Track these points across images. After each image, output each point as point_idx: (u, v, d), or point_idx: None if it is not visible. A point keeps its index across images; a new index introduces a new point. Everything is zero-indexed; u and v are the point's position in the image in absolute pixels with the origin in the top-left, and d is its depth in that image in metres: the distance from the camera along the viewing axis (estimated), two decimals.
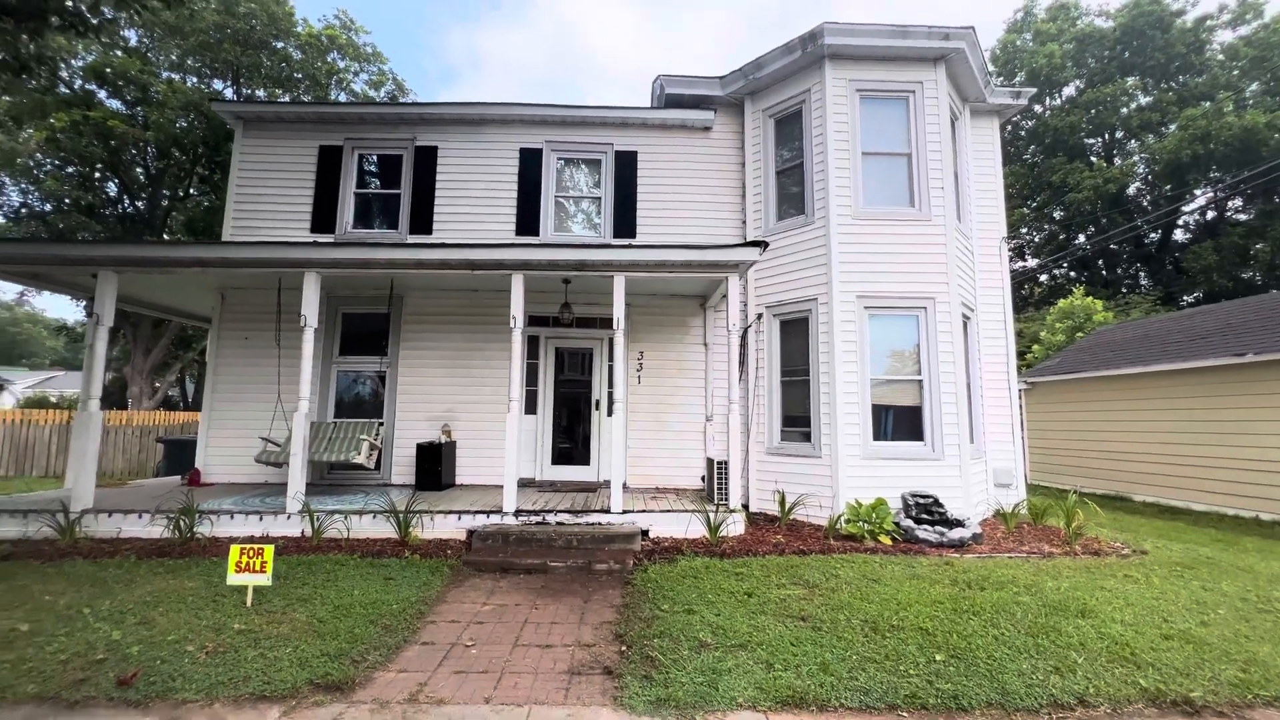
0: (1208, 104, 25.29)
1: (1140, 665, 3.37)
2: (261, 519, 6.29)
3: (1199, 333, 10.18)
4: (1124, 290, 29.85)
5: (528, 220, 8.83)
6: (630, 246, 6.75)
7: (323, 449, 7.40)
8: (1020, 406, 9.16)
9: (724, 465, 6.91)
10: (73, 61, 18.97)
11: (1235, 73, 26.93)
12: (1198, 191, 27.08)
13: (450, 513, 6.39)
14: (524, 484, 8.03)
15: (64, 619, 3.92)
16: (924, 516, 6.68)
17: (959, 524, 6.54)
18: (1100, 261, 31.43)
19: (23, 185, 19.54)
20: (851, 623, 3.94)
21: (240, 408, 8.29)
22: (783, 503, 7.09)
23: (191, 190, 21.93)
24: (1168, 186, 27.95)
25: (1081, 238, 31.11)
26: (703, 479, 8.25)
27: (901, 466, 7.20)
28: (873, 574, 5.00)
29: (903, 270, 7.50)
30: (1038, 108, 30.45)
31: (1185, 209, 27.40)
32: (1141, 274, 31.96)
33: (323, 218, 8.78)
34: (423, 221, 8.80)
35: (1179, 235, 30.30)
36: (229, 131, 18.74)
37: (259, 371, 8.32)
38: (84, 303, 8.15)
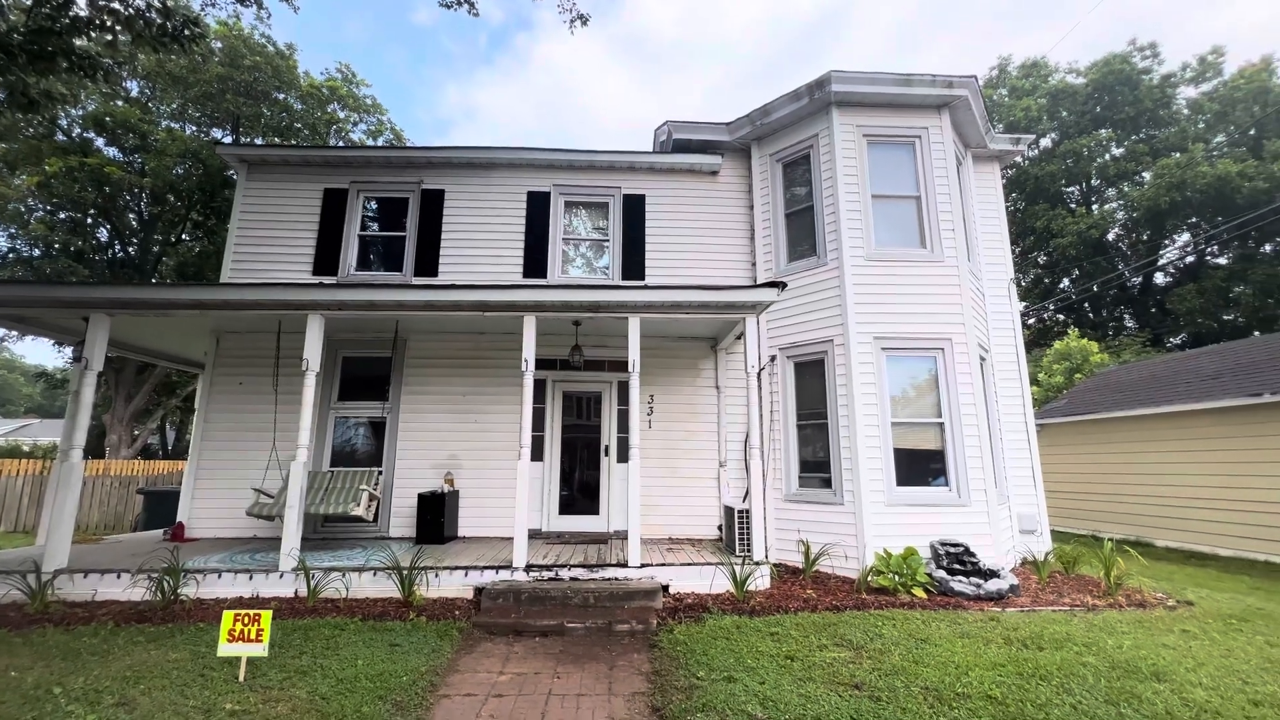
0: (1178, 155, 26.33)
1: None
2: (251, 578, 5.83)
3: (1209, 373, 10.16)
4: (1110, 332, 30.30)
5: (535, 263, 8.72)
6: (645, 287, 6.62)
7: (319, 500, 6.99)
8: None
9: (745, 514, 6.59)
10: (72, 110, 19.13)
11: (1201, 125, 28.25)
12: (1177, 237, 27.96)
13: (456, 569, 5.97)
14: (530, 535, 7.60)
15: (31, 700, 3.46)
16: (956, 567, 6.36)
17: (994, 574, 6.23)
18: (1086, 305, 32.02)
19: (11, 230, 19.32)
20: (911, 691, 3.59)
21: (230, 457, 7.87)
22: (807, 553, 6.74)
23: (184, 236, 21.84)
24: (1147, 233, 28.88)
25: (1066, 282, 31.84)
26: (719, 528, 7.89)
27: (927, 514, 6.91)
28: (919, 633, 4.65)
29: (918, 311, 7.42)
30: (1018, 158, 31.60)
31: (1167, 254, 28.16)
32: (1126, 316, 32.55)
33: (325, 260, 8.61)
34: (428, 264, 8.66)
35: (1159, 279, 31.04)
36: (226, 178, 18.84)
37: (252, 418, 7.95)
38: (71, 348, 7.83)
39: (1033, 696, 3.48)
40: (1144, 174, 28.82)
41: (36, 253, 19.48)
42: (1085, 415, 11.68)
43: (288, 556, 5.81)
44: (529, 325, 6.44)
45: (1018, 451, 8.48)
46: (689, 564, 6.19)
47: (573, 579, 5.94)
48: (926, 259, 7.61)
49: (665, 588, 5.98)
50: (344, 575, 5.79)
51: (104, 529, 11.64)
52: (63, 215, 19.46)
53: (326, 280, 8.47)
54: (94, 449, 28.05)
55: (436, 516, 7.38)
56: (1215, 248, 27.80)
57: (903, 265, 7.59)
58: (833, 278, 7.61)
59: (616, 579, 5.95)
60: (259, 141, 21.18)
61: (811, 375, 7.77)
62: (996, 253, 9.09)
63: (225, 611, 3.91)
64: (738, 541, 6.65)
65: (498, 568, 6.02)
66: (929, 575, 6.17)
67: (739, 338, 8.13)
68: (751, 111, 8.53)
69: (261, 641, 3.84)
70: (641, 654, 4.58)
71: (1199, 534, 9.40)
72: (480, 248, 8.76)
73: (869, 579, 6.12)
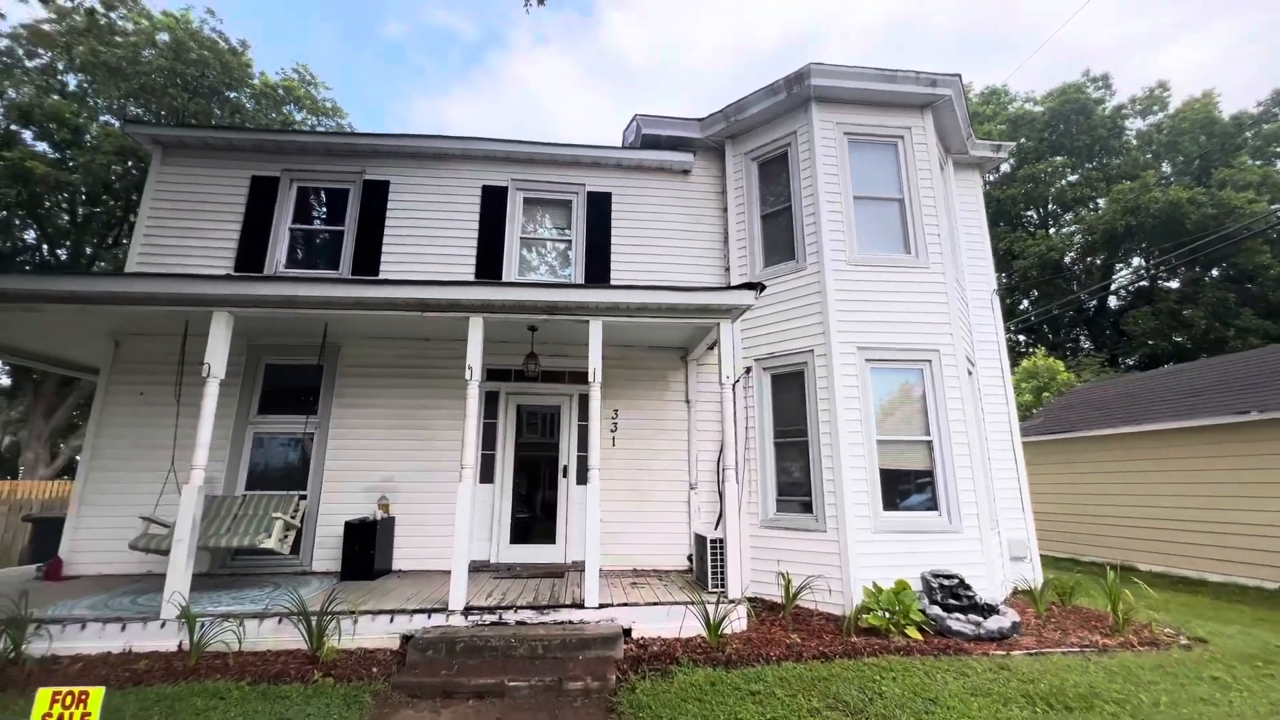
0: (1129, 182, 27.13)
1: None
2: (124, 628, 4.79)
3: (1191, 390, 9.94)
4: (1067, 352, 30.89)
5: (489, 263, 7.92)
6: (609, 287, 5.92)
7: (225, 530, 5.97)
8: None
9: (719, 544, 5.84)
10: None
11: (1149, 155, 29.37)
12: (1131, 260, 28.80)
13: (380, 613, 5.05)
14: (476, 568, 6.71)
15: None
16: (951, 602, 5.72)
17: (992, 610, 5.61)
18: (1045, 326, 32.67)
19: None
20: None
21: (123, 478, 6.77)
22: (788, 588, 6.00)
23: (123, 239, 20.29)
24: (1102, 256, 29.70)
25: (1025, 303, 32.49)
26: (689, 559, 7.11)
27: (916, 541, 6.29)
28: (924, 689, 3.95)
29: (903, 320, 6.89)
30: (998, 167, 32.26)
31: (1121, 276, 28.94)
32: (1082, 337, 33.36)
33: (250, 256, 7.64)
34: (368, 263, 7.77)
35: (1113, 301, 31.90)
36: None
37: (154, 434, 6.88)
38: None
39: None
40: (1098, 200, 29.78)
41: None
42: (1064, 434, 11.37)
43: (169, 603, 4.80)
44: (475, 328, 5.63)
45: (1004, 472, 7.99)
46: (655, 603, 5.39)
47: (519, 623, 5.08)
48: (912, 265, 7.11)
49: (627, 632, 5.16)
50: (240, 623, 4.80)
51: None
52: None
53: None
54: (10, 468, 25.68)
55: (365, 548, 6.41)
56: (1165, 272, 28.73)
57: (887, 271, 7.07)
58: (813, 283, 7.03)
59: (570, 623, 5.11)
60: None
61: (790, 389, 7.14)
62: (979, 263, 8.70)
63: (40, 690, 2.95)
64: (710, 575, 5.88)
65: (430, 610, 5.12)
66: (923, 613, 5.51)
67: (711, 348, 7.45)
68: (726, 107, 7.99)
69: None
70: None
71: (1185, 558, 9.05)
72: (428, 245, 7.92)
73: (859, 618, 5.40)
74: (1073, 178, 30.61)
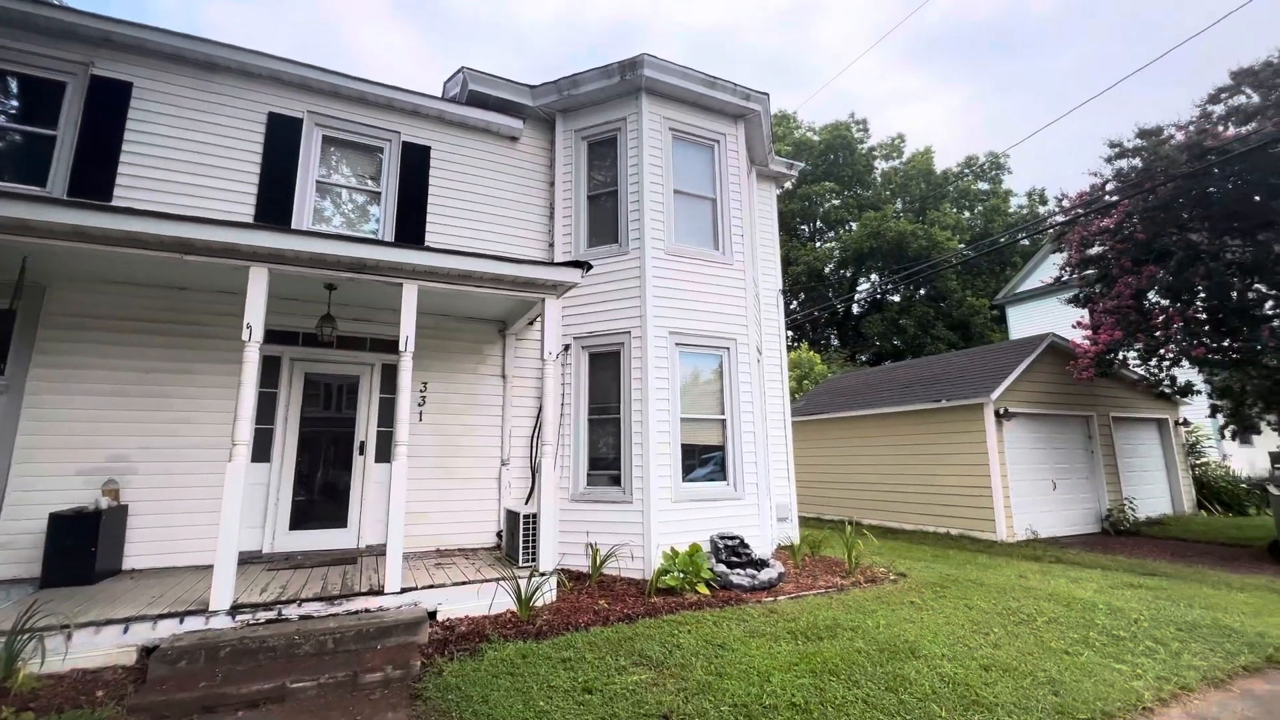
0: (873, 212, 33.30)
1: (989, 708, 3.40)
2: None
3: (906, 382, 12.69)
4: (821, 348, 37.03)
5: (275, 207, 6.73)
6: (430, 250, 5.46)
7: None
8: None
9: (532, 519, 5.86)
10: None
11: (888, 193, 36.37)
12: (871, 276, 35.43)
13: (110, 623, 4.08)
14: (247, 559, 5.75)
15: None
16: (734, 559, 6.56)
17: (765, 564, 6.56)
18: (808, 325, 38.68)
19: None
20: (721, 711, 3.30)
21: None
22: (595, 557, 6.30)
23: None
24: (850, 270, 36.07)
25: (794, 304, 38.04)
26: (499, 535, 7.01)
27: (708, 508, 7.06)
28: (714, 637, 4.49)
29: (709, 309, 7.58)
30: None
31: (865, 287, 35.38)
32: (832, 336, 40.21)
33: None
34: (97, 182, 6.04)
35: (855, 309, 39.05)
36: None
37: None
38: None
39: (830, 697, 3.47)
40: (852, 223, 36.03)
41: None
42: (817, 415, 13.68)
43: None
44: (258, 281, 4.77)
45: (776, 446, 9.33)
46: (463, 583, 5.22)
47: (303, 618, 4.53)
48: (719, 260, 7.84)
49: (432, 615, 4.94)
50: None
51: None
52: None
53: None
54: None
55: (85, 544, 5.08)
56: (891, 287, 36.00)
57: (698, 263, 7.69)
58: (633, 268, 7.36)
59: (368, 611, 4.71)
60: None
61: (606, 367, 7.40)
62: (770, 264, 9.94)
63: None
64: (521, 550, 5.89)
65: (183, 614, 4.28)
66: (711, 570, 6.22)
67: (532, 322, 7.40)
68: (559, 79, 7.85)
69: None
70: (400, 712, 3.56)
71: (891, 513, 11.63)
72: (189, 172, 6.43)
73: (660, 581, 5.89)
74: (836, 202, 36.49)
